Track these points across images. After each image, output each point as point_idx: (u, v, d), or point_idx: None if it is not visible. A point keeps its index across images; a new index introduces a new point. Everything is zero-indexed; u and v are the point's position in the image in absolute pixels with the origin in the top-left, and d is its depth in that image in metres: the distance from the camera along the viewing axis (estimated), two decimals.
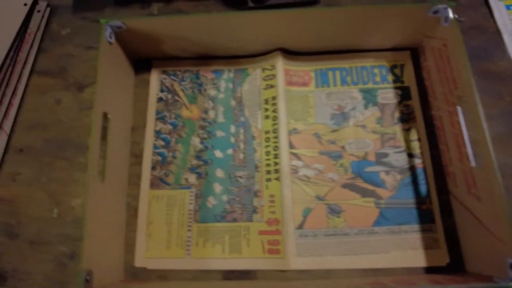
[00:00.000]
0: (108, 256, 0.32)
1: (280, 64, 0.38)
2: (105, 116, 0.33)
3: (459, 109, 0.33)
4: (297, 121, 0.38)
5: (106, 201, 0.32)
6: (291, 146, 0.37)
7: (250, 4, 0.41)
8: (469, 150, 0.32)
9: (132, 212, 0.36)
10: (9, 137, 0.39)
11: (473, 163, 0.31)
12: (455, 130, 0.34)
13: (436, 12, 0.34)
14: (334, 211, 0.35)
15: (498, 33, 0.41)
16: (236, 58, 0.40)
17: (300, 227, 0.34)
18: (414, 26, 0.37)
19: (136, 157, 0.38)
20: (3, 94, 0.39)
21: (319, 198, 0.35)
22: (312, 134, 0.37)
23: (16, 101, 0.40)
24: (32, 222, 0.36)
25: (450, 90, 0.34)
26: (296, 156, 0.36)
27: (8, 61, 0.40)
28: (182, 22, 0.35)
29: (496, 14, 0.41)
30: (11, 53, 0.40)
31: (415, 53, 0.40)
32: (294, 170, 0.36)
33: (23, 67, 0.41)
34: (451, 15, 0.33)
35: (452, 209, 0.35)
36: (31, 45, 0.42)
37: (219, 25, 0.35)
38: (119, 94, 0.37)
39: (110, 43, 0.34)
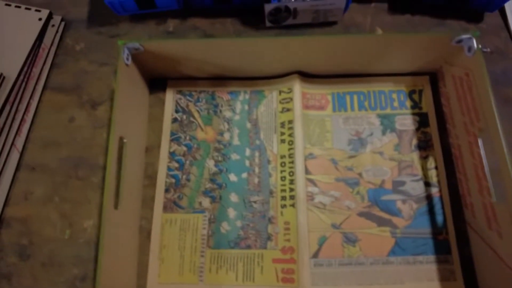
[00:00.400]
0: (121, 282, 0.32)
1: (298, 87, 0.38)
2: (121, 139, 0.32)
3: (480, 141, 0.32)
4: (314, 145, 0.37)
5: (120, 226, 0.32)
6: (307, 171, 0.36)
7: (268, 24, 0.41)
8: (490, 184, 0.31)
9: (145, 235, 0.36)
10: (21, 154, 0.39)
11: (494, 198, 0.31)
12: (475, 161, 0.33)
13: (459, 41, 0.33)
14: (350, 240, 0.34)
15: None
16: (252, 80, 0.40)
17: (315, 255, 0.34)
18: (435, 53, 0.36)
19: (150, 179, 0.37)
20: (16, 110, 0.39)
21: (335, 226, 0.35)
22: (328, 160, 0.37)
23: (29, 118, 0.40)
24: (44, 242, 0.36)
25: (471, 120, 0.34)
26: (312, 182, 0.36)
27: (21, 77, 0.40)
28: (199, 45, 0.35)
29: None
30: (25, 68, 0.40)
31: (433, 77, 0.40)
32: (310, 197, 0.35)
33: (36, 83, 0.41)
34: (475, 45, 0.32)
35: (468, 239, 0.34)
36: (45, 60, 0.41)
37: (236, 48, 0.35)
38: (134, 115, 0.36)
39: (127, 65, 0.34)
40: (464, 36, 0.33)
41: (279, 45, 0.34)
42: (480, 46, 0.32)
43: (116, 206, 0.31)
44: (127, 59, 0.34)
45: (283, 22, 0.41)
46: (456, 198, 0.36)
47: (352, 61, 0.37)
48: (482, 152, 0.32)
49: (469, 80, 0.34)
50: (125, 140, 0.33)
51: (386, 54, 0.36)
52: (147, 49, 0.34)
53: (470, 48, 0.33)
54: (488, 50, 0.32)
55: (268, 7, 0.38)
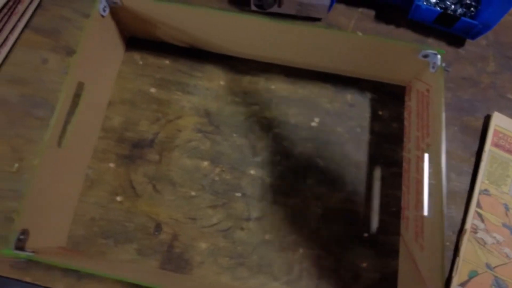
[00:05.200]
0: (51, 220, 0.32)
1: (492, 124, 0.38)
2: (80, 85, 0.33)
3: (426, 156, 0.33)
4: (492, 183, 0.37)
5: (61, 166, 0.32)
6: (478, 205, 0.36)
7: (253, 7, 0.42)
8: (426, 198, 0.32)
9: (88, 184, 0.36)
10: None
11: (425, 212, 0.31)
12: (418, 176, 0.34)
13: (425, 56, 0.34)
14: (500, 286, 0.34)
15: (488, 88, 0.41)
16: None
17: (462, 285, 0.34)
18: (405, 65, 0.36)
19: (106, 131, 0.38)
20: None
21: (489, 267, 0.35)
22: (501, 203, 0.37)
23: (3, 52, 0.40)
24: None
25: (422, 135, 0.34)
26: (480, 216, 0.36)
27: (5, 10, 0.40)
28: (179, 11, 0.35)
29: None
30: (10, 3, 0.40)
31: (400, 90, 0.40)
32: (474, 230, 0.35)
33: (18, 20, 0.41)
34: (438, 62, 0.33)
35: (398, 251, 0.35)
36: (32, 0, 0.42)
37: (219, 22, 0.35)
38: (102, 67, 0.37)
39: (102, 16, 0.34)
40: (430, 52, 0.33)
41: (257, 27, 0.34)
42: (443, 64, 0.33)
43: (59, 144, 0.31)
44: (104, 10, 0.34)
45: (268, 8, 0.41)
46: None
47: (329, 59, 0.38)
48: (426, 167, 0.33)
49: (428, 96, 0.34)
50: (85, 86, 0.33)
51: (360, 57, 0.36)
52: (125, 4, 0.35)
53: (434, 65, 0.33)
54: (450, 70, 0.32)
55: None
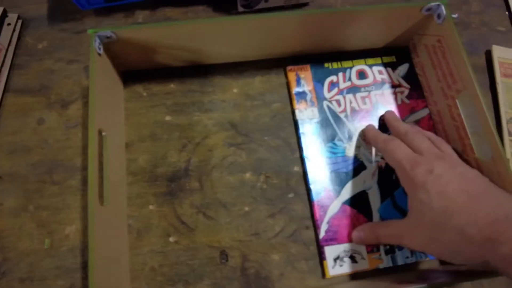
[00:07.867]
0: (114, 286, 0.29)
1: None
2: (100, 133, 0.30)
3: (458, 102, 0.34)
4: None
5: (108, 225, 0.30)
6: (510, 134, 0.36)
7: (240, 9, 0.41)
8: (473, 141, 0.33)
9: (134, 235, 0.33)
10: None
11: (477, 154, 0.32)
12: (456, 123, 0.34)
13: (428, 9, 0.35)
14: None
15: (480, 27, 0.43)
16: None
17: None
18: (407, 25, 0.37)
19: (134, 175, 0.35)
20: None
21: None
22: None
23: None
24: (21, 256, 0.32)
25: (447, 84, 0.35)
26: None
27: None
28: (175, 30, 0.33)
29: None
30: None
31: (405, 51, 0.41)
32: None
33: None
34: (444, 12, 0.34)
35: None
36: (3, 62, 0.38)
37: (211, 32, 0.34)
38: (111, 108, 0.34)
39: (99, 54, 0.32)
40: (433, 4, 0.34)
41: (254, 25, 0.33)
42: (450, 12, 0.34)
43: (101, 202, 0.29)
44: (99, 48, 0.32)
45: (255, 6, 0.41)
46: None
47: (325, 39, 0.38)
48: (462, 112, 0.33)
49: (442, 46, 0.35)
50: (104, 134, 0.31)
51: (357, 29, 0.36)
52: (120, 37, 0.32)
53: (439, 15, 0.34)
54: (456, 15, 0.33)
55: None
